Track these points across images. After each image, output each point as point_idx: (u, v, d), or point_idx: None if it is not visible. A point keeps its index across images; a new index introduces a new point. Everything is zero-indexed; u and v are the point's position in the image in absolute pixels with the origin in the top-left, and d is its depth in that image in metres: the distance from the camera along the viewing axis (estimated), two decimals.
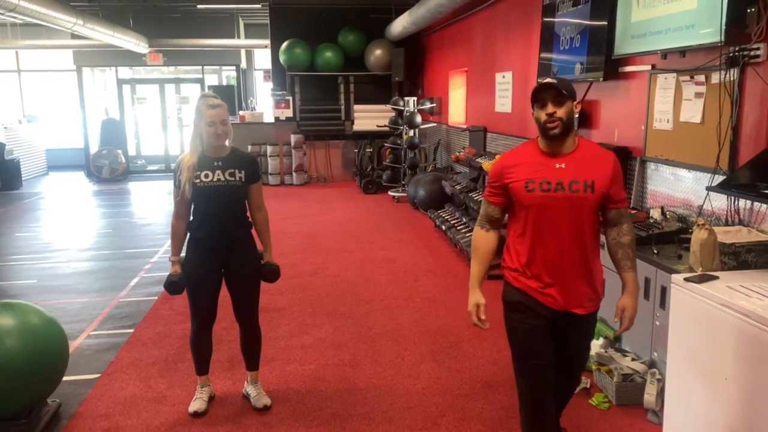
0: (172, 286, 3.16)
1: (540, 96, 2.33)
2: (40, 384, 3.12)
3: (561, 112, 2.29)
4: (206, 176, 3.08)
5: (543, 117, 2.31)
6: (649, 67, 4.29)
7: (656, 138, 4.20)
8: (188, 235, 3.24)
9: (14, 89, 15.05)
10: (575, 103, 2.35)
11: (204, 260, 3.19)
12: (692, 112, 3.80)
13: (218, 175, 3.09)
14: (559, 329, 2.45)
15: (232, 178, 3.12)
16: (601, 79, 4.77)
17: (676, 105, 3.96)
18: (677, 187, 4.02)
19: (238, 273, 3.25)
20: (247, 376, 3.48)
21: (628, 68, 4.60)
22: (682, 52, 3.80)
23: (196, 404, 3.32)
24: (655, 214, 3.97)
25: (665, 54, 3.99)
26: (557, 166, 2.34)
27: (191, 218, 3.22)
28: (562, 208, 2.33)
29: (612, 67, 4.70)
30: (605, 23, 4.68)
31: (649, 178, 4.34)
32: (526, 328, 2.45)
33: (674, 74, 3.96)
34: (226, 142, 3.15)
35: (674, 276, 2.82)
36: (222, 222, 3.14)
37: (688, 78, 3.82)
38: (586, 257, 2.39)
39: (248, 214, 3.30)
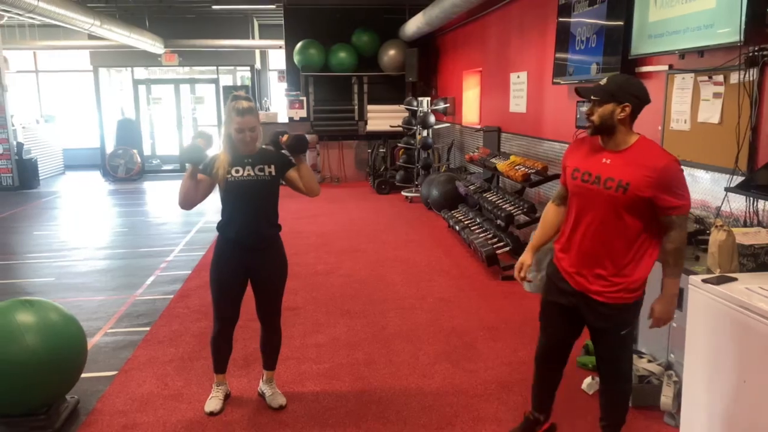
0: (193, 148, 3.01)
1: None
2: (59, 380, 3.16)
3: (595, 114, 2.44)
4: (237, 171, 3.10)
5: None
6: (666, 67, 4.26)
7: (673, 138, 4.17)
8: (216, 234, 3.23)
9: (32, 89, 15.24)
10: (623, 104, 2.41)
11: (232, 260, 3.18)
12: (710, 112, 3.77)
13: (248, 170, 3.10)
14: (583, 315, 2.64)
15: (262, 173, 3.12)
16: None
17: (693, 105, 3.93)
18: (695, 188, 3.99)
19: (266, 274, 3.24)
20: (263, 374, 3.50)
21: (645, 68, 4.57)
22: (701, 51, 3.77)
23: (212, 404, 3.34)
24: None
25: (683, 54, 3.96)
26: (603, 160, 2.48)
27: (220, 216, 3.19)
28: (597, 201, 2.48)
29: (628, 68, 4.66)
30: (622, 23, 4.65)
31: None
32: (547, 300, 2.79)
33: (692, 74, 3.93)
34: (257, 144, 3.16)
35: (692, 277, 2.80)
36: (251, 219, 3.13)
37: (706, 78, 3.79)
38: (615, 250, 2.49)
39: (278, 215, 3.27)
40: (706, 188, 3.87)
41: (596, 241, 2.51)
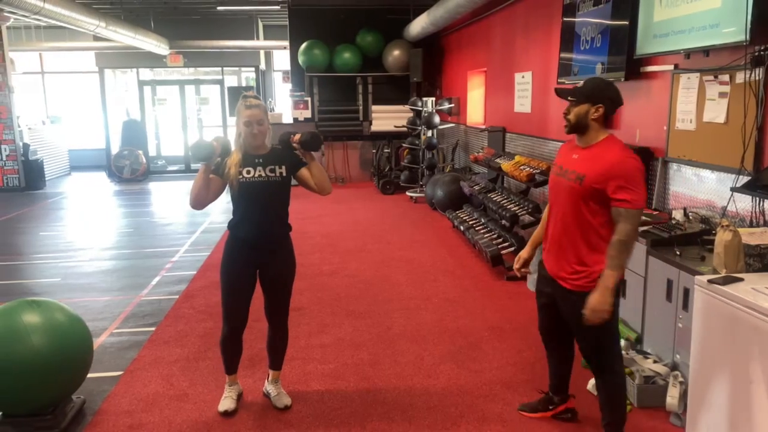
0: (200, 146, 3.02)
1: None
2: (66, 380, 3.17)
3: (571, 114, 2.66)
4: (248, 172, 3.11)
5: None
6: (671, 67, 4.25)
7: (679, 138, 4.16)
8: (228, 233, 3.24)
9: (38, 91, 15.31)
10: (596, 105, 2.61)
11: (241, 260, 3.19)
12: (716, 112, 3.76)
13: (259, 171, 3.11)
14: (558, 305, 2.83)
15: (273, 174, 3.13)
16: (623, 79, 4.73)
17: (699, 105, 3.92)
18: (700, 188, 3.98)
19: (275, 274, 3.25)
20: (268, 374, 3.50)
21: (650, 68, 4.56)
22: (706, 51, 3.76)
23: (226, 403, 3.33)
24: (678, 215, 3.93)
25: (688, 53, 3.95)
26: (573, 156, 2.72)
27: (232, 216, 3.21)
28: (562, 193, 2.71)
29: (633, 67, 4.66)
30: (627, 23, 4.64)
31: (671, 178, 4.30)
32: (537, 288, 2.99)
33: (697, 74, 3.91)
34: (266, 142, 3.16)
35: (698, 278, 2.79)
36: (262, 219, 3.15)
37: (711, 78, 3.77)
38: (575, 239, 2.68)
39: (288, 215, 3.28)
40: (712, 188, 3.85)
41: (562, 229, 2.72)
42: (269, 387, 3.46)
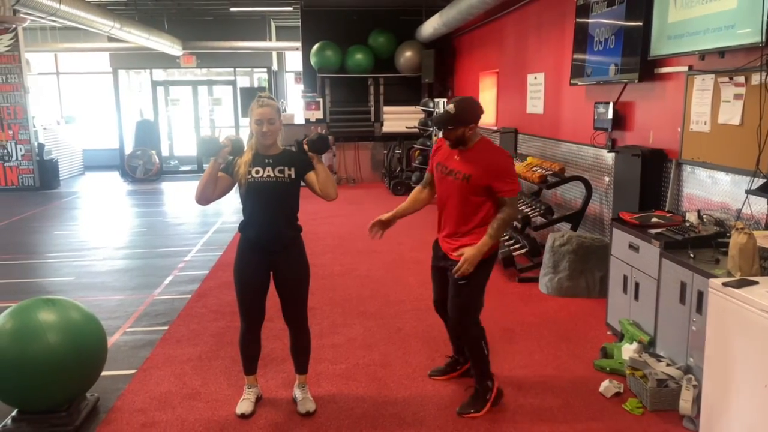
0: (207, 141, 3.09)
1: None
2: (80, 378, 3.20)
3: (451, 138, 3.17)
4: (257, 172, 3.10)
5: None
6: (686, 68, 4.23)
7: (693, 140, 4.13)
8: (239, 235, 3.25)
9: (53, 91, 15.46)
10: (470, 125, 3.13)
11: (253, 261, 3.20)
12: (731, 113, 3.73)
13: (268, 171, 3.11)
14: (447, 270, 3.29)
15: (281, 175, 3.12)
16: (636, 80, 4.72)
17: (714, 107, 3.89)
18: (714, 190, 3.95)
19: (288, 276, 3.25)
20: (295, 379, 3.49)
21: (665, 69, 4.53)
22: (721, 52, 3.74)
23: (244, 406, 3.33)
24: (692, 217, 3.90)
25: (703, 55, 3.93)
26: (455, 158, 3.22)
27: (242, 216, 3.22)
28: (450, 188, 3.23)
29: (647, 69, 4.63)
30: (641, 24, 4.62)
31: (685, 180, 4.27)
32: (432, 264, 3.52)
33: (712, 75, 3.89)
34: (278, 142, 3.17)
35: (712, 281, 2.78)
36: (270, 219, 3.14)
37: (726, 79, 3.75)
38: (462, 223, 3.23)
39: (298, 217, 3.28)
40: (727, 190, 3.83)
41: (453, 216, 3.25)
42: (296, 391, 3.46)
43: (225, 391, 3.57)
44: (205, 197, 3.12)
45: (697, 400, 3.05)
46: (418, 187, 3.59)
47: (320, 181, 3.17)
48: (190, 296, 5.34)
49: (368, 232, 3.48)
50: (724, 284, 2.66)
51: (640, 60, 4.63)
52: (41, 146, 11.99)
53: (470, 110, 3.16)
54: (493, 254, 3.27)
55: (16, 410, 3.18)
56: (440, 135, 3.28)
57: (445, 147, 3.30)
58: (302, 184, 3.21)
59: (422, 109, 10.46)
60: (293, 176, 3.15)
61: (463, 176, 3.16)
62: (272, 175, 3.11)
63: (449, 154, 3.26)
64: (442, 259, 3.37)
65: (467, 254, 3.12)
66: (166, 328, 4.61)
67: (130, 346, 4.30)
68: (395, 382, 3.69)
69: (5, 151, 11.68)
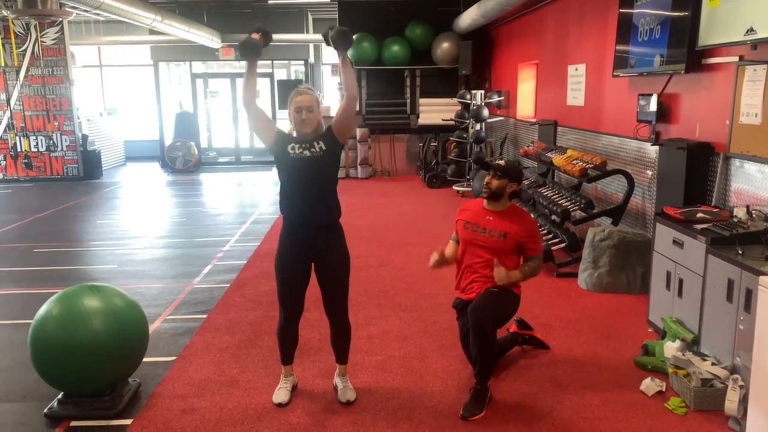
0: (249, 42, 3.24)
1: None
2: (123, 363, 3.28)
3: (493, 184, 3.47)
4: (292, 149, 3.19)
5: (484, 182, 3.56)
6: (736, 59, 4.08)
7: (742, 133, 3.99)
8: (282, 219, 3.33)
9: (96, 83, 15.83)
10: (513, 183, 3.47)
11: (294, 251, 3.25)
12: None
13: (303, 146, 3.19)
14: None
15: (313, 149, 3.18)
16: (683, 71, 4.58)
17: (765, 98, 3.75)
18: (765, 185, 3.82)
19: (329, 268, 3.30)
20: (336, 368, 3.53)
21: (713, 60, 4.39)
22: None
23: (281, 395, 3.37)
24: (740, 213, 3.77)
25: (755, 44, 3.78)
26: (488, 218, 3.52)
27: (279, 197, 3.30)
28: (482, 244, 3.50)
29: (694, 59, 4.49)
30: (688, 13, 4.47)
31: (733, 175, 4.14)
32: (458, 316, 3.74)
33: (764, 66, 3.74)
34: (316, 132, 3.23)
35: (762, 278, 2.69)
36: (306, 196, 3.20)
37: None
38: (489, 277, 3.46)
39: (336, 193, 3.32)
40: None
41: (478, 269, 3.52)
42: (336, 380, 3.49)
43: (263, 380, 3.61)
44: (249, 93, 3.24)
45: (743, 400, 2.97)
46: (451, 242, 3.80)
47: (346, 80, 3.18)
48: (228, 285, 5.42)
49: (429, 262, 3.64)
50: None
51: (687, 50, 4.49)
52: (85, 137, 12.30)
53: (517, 171, 3.55)
54: (519, 299, 3.55)
55: (61, 393, 3.28)
56: (486, 177, 3.55)
57: (472, 209, 3.61)
58: (341, 163, 3.26)
59: (459, 101, 10.37)
60: (324, 148, 3.20)
61: (499, 233, 3.45)
62: (307, 152, 3.18)
63: (480, 215, 3.54)
64: (465, 306, 3.52)
65: (503, 270, 3.35)
66: (205, 316, 4.68)
67: (170, 333, 4.39)
68: (431, 374, 3.68)
69: (51, 141, 12.03)
